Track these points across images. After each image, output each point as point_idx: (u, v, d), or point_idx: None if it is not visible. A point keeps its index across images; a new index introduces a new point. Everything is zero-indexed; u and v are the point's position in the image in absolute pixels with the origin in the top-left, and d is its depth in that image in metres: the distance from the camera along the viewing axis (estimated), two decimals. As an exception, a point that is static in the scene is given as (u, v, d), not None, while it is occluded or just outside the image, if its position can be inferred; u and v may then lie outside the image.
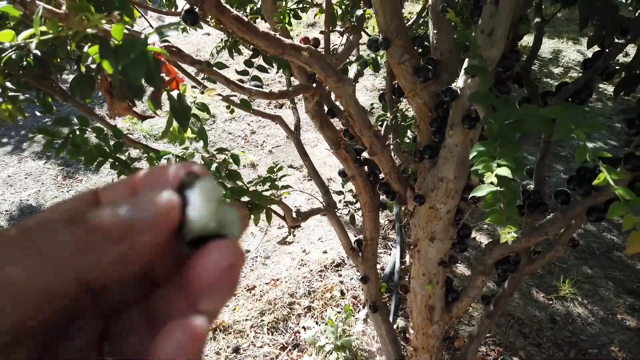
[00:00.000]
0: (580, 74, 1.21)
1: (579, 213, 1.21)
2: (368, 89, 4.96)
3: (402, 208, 1.32)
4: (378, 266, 2.85)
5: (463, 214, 1.26)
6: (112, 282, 0.24)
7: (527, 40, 5.02)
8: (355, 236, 2.85)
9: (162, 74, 0.74)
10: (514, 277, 1.60)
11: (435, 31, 1.11)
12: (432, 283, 1.35)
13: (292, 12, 1.55)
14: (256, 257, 2.93)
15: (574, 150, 3.92)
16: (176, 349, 0.22)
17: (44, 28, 0.66)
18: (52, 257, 0.21)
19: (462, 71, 1.02)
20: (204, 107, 0.84)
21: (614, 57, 1.18)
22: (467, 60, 1.00)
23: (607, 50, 1.17)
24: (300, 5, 1.58)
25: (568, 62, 5.32)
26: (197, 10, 1.03)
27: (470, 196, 0.87)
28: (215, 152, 1.14)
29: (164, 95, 0.77)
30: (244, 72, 1.51)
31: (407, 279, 1.44)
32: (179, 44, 1.57)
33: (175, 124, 0.86)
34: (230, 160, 1.15)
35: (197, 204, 0.25)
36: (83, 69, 0.85)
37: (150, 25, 1.67)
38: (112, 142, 1.11)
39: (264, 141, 4.22)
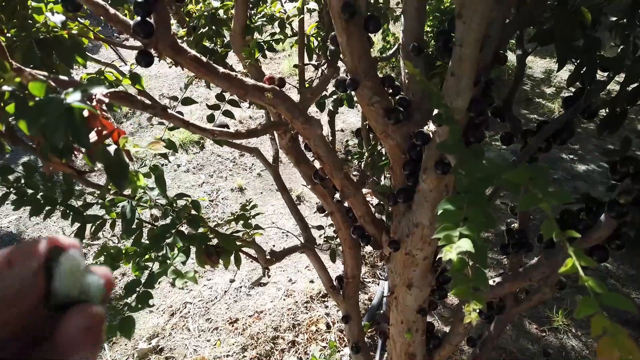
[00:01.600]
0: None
1: (563, 259, 1.14)
2: (359, 110, 4.93)
3: (379, 252, 1.25)
4: (365, 297, 2.77)
5: (441, 260, 1.19)
6: None
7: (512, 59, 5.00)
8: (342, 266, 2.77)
9: (94, 130, 0.68)
10: (500, 320, 1.52)
11: (406, 71, 1.05)
12: (411, 331, 1.27)
13: (266, 44, 1.50)
14: (240, 287, 2.84)
15: (566, 173, 3.86)
16: None
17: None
18: None
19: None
20: (155, 170, 0.77)
21: (596, 95, 1.12)
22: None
23: (587, 88, 1.11)
24: (275, 37, 1.53)
25: (560, 82, 5.30)
26: (151, 51, 0.97)
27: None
28: (174, 198, 1.07)
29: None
30: (215, 107, 1.45)
31: (386, 324, 1.37)
32: (154, 71, 1.51)
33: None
34: (191, 206, 1.08)
35: (60, 275, 0.29)
36: (2, 128, 0.79)
37: (121, 58, 1.62)
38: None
39: (252, 164, 4.16)
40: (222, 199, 3.72)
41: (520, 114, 4.84)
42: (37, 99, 0.59)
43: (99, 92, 0.60)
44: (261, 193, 3.81)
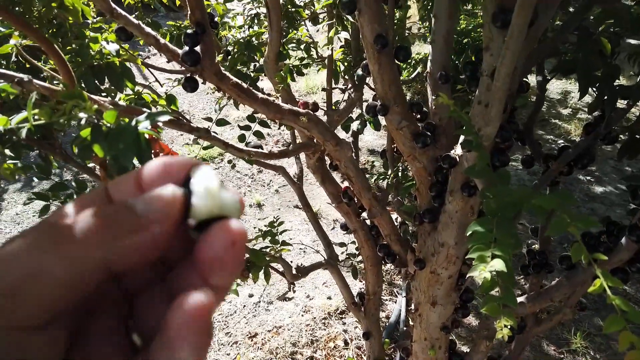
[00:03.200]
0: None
1: (584, 280, 1.18)
2: (373, 131, 4.99)
3: (403, 270, 1.29)
4: (383, 314, 2.79)
5: (465, 279, 1.23)
6: (132, 268, 0.27)
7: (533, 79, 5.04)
8: (361, 283, 2.80)
9: (154, 152, 0.74)
10: (521, 339, 1.55)
11: (433, 97, 1.11)
12: (434, 348, 1.30)
13: (295, 69, 1.58)
14: (259, 302, 2.88)
15: (583, 194, 3.86)
16: (184, 320, 0.25)
17: (37, 111, 0.67)
18: (80, 246, 0.25)
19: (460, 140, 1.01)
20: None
21: (616, 122, 1.17)
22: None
23: (608, 115, 1.16)
24: (304, 62, 1.60)
25: (577, 104, 5.31)
26: (197, 77, 1.04)
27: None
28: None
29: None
30: (246, 127, 1.52)
31: (408, 340, 1.40)
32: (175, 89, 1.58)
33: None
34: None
35: (199, 192, 0.28)
36: (75, 150, 0.86)
37: (157, 80, 1.70)
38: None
39: (270, 180, 4.23)
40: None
41: (537, 134, 4.86)
42: (110, 125, 0.65)
43: (164, 118, 0.67)
44: (279, 209, 3.87)
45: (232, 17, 1.73)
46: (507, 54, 0.67)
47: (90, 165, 1.28)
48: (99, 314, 0.29)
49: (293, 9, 1.69)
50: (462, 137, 0.94)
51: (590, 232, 1.19)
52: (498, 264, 0.62)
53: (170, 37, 1.83)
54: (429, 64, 1.09)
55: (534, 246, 1.44)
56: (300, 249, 3.30)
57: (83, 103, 0.65)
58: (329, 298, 2.88)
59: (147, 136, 0.71)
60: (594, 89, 1.07)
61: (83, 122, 0.67)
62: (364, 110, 1.25)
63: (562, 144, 1.29)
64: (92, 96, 0.77)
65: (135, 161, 0.63)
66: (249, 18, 1.83)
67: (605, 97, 1.06)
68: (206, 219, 0.28)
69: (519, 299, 1.31)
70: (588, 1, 1.06)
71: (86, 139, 0.67)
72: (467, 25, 4.50)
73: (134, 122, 0.66)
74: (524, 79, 1.06)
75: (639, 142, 1.24)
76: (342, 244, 1.84)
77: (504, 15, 0.80)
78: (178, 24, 1.65)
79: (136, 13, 2.05)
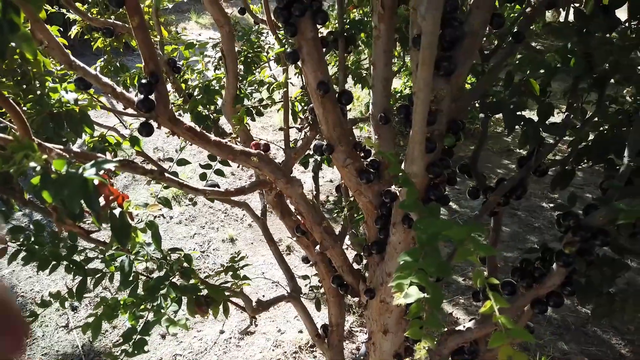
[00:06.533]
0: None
1: (523, 304, 1.25)
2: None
3: (356, 300, 1.35)
4: (353, 346, 2.81)
5: (414, 306, 1.29)
6: None
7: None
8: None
9: (103, 197, 0.80)
10: (476, 365, 1.60)
11: (376, 136, 1.19)
12: (389, 376, 1.35)
13: (254, 109, 1.66)
14: (230, 337, 2.87)
15: (547, 221, 4.00)
16: None
17: (-10, 161, 0.72)
18: None
19: (399, 176, 1.09)
20: (151, 226, 0.89)
21: (545, 156, 1.27)
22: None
23: (537, 150, 1.26)
24: (263, 103, 1.69)
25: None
26: (152, 123, 1.11)
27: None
28: (168, 252, 1.17)
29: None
30: (207, 166, 1.58)
31: (366, 370, 1.44)
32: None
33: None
34: (183, 259, 1.18)
35: None
36: (27, 196, 0.91)
37: (122, 122, 1.76)
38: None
39: (243, 215, 4.25)
40: (214, 249, 3.80)
41: (502, 163, 5.05)
42: (58, 172, 0.71)
43: (110, 166, 0.73)
44: (252, 243, 3.90)
45: (199, 59, 1.82)
46: (419, 103, 0.75)
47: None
48: None
49: (253, 54, 1.79)
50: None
51: (529, 258, 1.27)
52: (414, 292, 0.69)
53: (139, 78, 1.90)
54: (370, 106, 1.19)
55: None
56: (273, 282, 3.32)
57: (33, 154, 0.71)
58: (300, 332, 2.89)
59: (95, 182, 0.77)
60: (520, 128, 1.18)
61: (34, 171, 0.72)
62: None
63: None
64: (46, 144, 0.83)
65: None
66: (212, 61, 1.92)
67: (530, 134, 1.16)
68: None
69: (468, 324, 1.37)
70: (510, 49, 1.18)
71: (36, 186, 0.72)
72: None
73: (80, 170, 0.72)
74: (461, 120, 1.16)
75: (569, 174, 1.35)
76: (305, 277, 1.89)
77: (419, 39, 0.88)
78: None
79: (105, 56, 2.13)
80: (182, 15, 10.29)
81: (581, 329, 2.89)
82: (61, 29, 1.66)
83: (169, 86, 1.73)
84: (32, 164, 0.71)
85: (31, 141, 0.73)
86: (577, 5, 1.34)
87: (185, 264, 1.17)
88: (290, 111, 1.75)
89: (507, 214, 4.09)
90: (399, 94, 4.62)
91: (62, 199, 0.70)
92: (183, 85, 1.74)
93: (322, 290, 1.90)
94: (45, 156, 0.71)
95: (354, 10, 1.77)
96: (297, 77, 1.74)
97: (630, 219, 0.81)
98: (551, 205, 4.21)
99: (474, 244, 0.69)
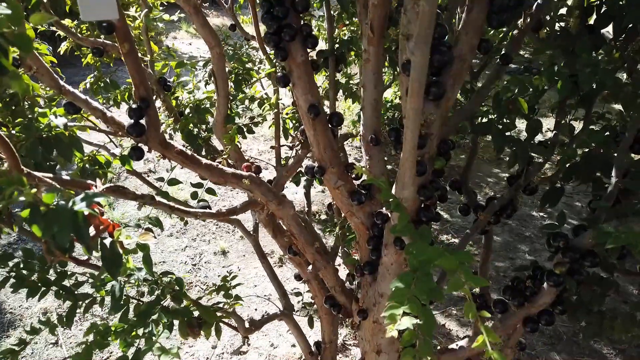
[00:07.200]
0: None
1: (515, 322, 1.25)
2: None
3: (349, 320, 1.35)
4: (348, 359, 2.79)
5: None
6: None
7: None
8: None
9: (93, 227, 0.79)
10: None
11: (367, 157, 1.20)
12: (382, 395, 1.34)
13: (246, 127, 1.66)
14: (222, 353, 2.85)
15: (537, 230, 4.03)
16: None
17: (-22, 195, 0.71)
18: None
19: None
20: (142, 248, 0.88)
21: (534, 175, 1.29)
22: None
23: (526, 169, 1.27)
24: (254, 121, 1.69)
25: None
26: (142, 146, 1.11)
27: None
28: (160, 276, 1.17)
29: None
30: (198, 185, 1.58)
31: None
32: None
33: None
34: (174, 283, 1.18)
35: None
36: (16, 230, 0.90)
37: (113, 142, 1.75)
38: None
39: (235, 227, 4.23)
40: (205, 262, 3.77)
41: (493, 172, 5.08)
42: (48, 205, 0.70)
43: (100, 198, 0.72)
44: (244, 256, 3.88)
45: (190, 78, 1.82)
46: (408, 132, 0.76)
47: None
48: None
49: (244, 71, 1.79)
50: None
51: (520, 277, 1.28)
52: (406, 322, 0.69)
53: (129, 94, 1.90)
54: (361, 127, 1.19)
55: (474, 290, 1.52)
56: (265, 296, 3.30)
57: (22, 188, 0.70)
58: (293, 346, 2.88)
59: (85, 213, 0.76)
60: (509, 148, 1.19)
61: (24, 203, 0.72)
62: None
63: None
64: (35, 173, 0.82)
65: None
66: (204, 77, 1.92)
67: (518, 154, 1.17)
68: None
69: (461, 343, 1.38)
70: (498, 71, 1.19)
71: (26, 219, 0.72)
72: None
73: (70, 203, 0.71)
74: (450, 139, 1.17)
75: (557, 191, 1.37)
76: (298, 294, 1.88)
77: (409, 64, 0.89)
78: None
79: (95, 72, 2.12)
80: (173, 24, 10.29)
81: (573, 339, 2.91)
82: (50, 48, 1.66)
83: (159, 104, 1.73)
84: (22, 198, 0.70)
85: (20, 174, 0.72)
86: (562, 25, 1.37)
87: (177, 287, 1.16)
88: (282, 128, 1.76)
89: (498, 224, 4.11)
90: (390, 103, 4.63)
91: (52, 234, 0.70)
92: (174, 102, 1.73)
93: (314, 307, 1.90)
94: (34, 190, 0.70)
95: (344, 27, 1.78)
96: (287, 95, 1.74)
97: (619, 243, 0.82)
98: (541, 214, 4.24)
99: (465, 275, 0.69)
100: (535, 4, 1.17)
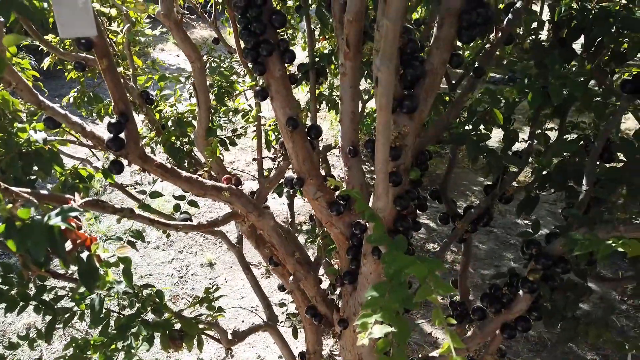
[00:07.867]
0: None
1: (493, 329, 1.28)
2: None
3: (331, 330, 1.36)
4: (334, 370, 2.79)
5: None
6: None
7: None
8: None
9: (70, 241, 0.80)
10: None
11: (346, 168, 1.22)
12: (364, 405, 1.35)
13: (228, 140, 1.68)
14: (209, 366, 2.83)
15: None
16: None
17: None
18: None
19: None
20: (124, 261, 0.89)
21: (509, 184, 1.32)
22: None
23: (502, 178, 1.31)
24: (237, 133, 1.71)
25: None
26: (122, 160, 1.12)
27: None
28: (140, 288, 1.17)
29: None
30: (180, 197, 1.59)
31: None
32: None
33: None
34: (155, 296, 1.18)
35: None
36: None
37: (95, 155, 1.75)
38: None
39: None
40: (192, 274, 3.76)
41: (478, 181, 5.14)
42: (23, 220, 0.71)
43: (75, 213, 0.73)
44: (231, 267, 3.87)
45: (173, 92, 1.83)
46: (379, 145, 0.78)
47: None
48: None
49: (227, 84, 1.81)
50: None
51: (497, 284, 1.30)
52: (377, 331, 0.70)
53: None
54: (339, 139, 1.22)
55: (455, 298, 1.54)
56: (252, 307, 3.29)
57: (-2, 203, 0.71)
58: (280, 357, 2.87)
59: (62, 227, 0.77)
60: (484, 158, 1.22)
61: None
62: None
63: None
64: (12, 188, 0.83)
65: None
66: (188, 89, 1.94)
67: (492, 164, 1.20)
68: None
69: (441, 350, 1.39)
70: (472, 84, 1.23)
71: (1, 234, 0.72)
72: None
73: (46, 218, 0.72)
74: (427, 150, 1.20)
75: (533, 200, 1.40)
76: (282, 304, 1.89)
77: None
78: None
79: (78, 87, 2.12)
80: (160, 36, 10.31)
81: (557, 345, 2.94)
82: (33, 63, 1.66)
83: (142, 117, 1.74)
84: (-2, 213, 0.71)
85: (-4, 190, 0.73)
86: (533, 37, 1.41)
87: (157, 299, 1.17)
88: (264, 139, 1.78)
89: (484, 232, 4.16)
90: (375, 114, 4.67)
91: (26, 249, 0.71)
92: (157, 115, 1.74)
93: (299, 318, 1.90)
94: (9, 206, 0.71)
95: (325, 41, 1.81)
96: (270, 107, 1.76)
97: (585, 250, 0.85)
98: (527, 222, 4.30)
99: (434, 282, 0.71)
100: (506, 19, 1.21)
